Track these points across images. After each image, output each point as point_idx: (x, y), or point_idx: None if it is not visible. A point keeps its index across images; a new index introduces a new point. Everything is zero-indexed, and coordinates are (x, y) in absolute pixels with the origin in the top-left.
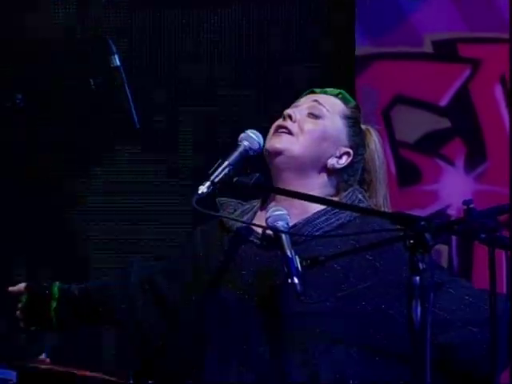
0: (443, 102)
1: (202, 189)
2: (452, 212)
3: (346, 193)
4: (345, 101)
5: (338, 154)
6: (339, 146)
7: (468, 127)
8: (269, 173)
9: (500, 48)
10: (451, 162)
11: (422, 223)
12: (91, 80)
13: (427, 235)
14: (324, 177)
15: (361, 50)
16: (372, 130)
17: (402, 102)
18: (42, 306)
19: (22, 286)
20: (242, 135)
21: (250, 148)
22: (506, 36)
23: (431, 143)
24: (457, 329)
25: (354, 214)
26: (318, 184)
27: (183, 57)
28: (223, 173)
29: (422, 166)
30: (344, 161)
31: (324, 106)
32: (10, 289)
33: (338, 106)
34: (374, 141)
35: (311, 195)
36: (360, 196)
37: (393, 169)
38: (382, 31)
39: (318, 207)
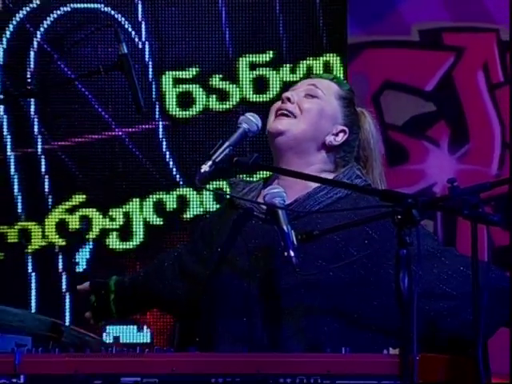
0: (429, 88)
1: (205, 168)
2: (437, 190)
3: (344, 169)
4: (339, 84)
5: (334, 132)
6: (335, 124)
7: (452, 111)
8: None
9: (482, 36)
10: (436, 144)
11: (410, 200)
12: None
13: (414, 211)
14: (323, 153)
15: (352, 38)
16: (366, 113)
17: (390, 88)
18: (105, 300)
19: (87, 284)
20: (242, 118)
21: (249, 130)
22: (488, 25)
23: (418, 126)
24: (448, 298)
25: None
26: (317, 160)
27: None
28: (224, 153)
29: (409, 147)
30: (341, 138)
31: (320, 89)
32: (78, 287)
33: (333, 88)
34: (369, 122)
35: (306, 174)
36: (358, 172)
37: (382, 150)
38: (371, 20)
39: None
